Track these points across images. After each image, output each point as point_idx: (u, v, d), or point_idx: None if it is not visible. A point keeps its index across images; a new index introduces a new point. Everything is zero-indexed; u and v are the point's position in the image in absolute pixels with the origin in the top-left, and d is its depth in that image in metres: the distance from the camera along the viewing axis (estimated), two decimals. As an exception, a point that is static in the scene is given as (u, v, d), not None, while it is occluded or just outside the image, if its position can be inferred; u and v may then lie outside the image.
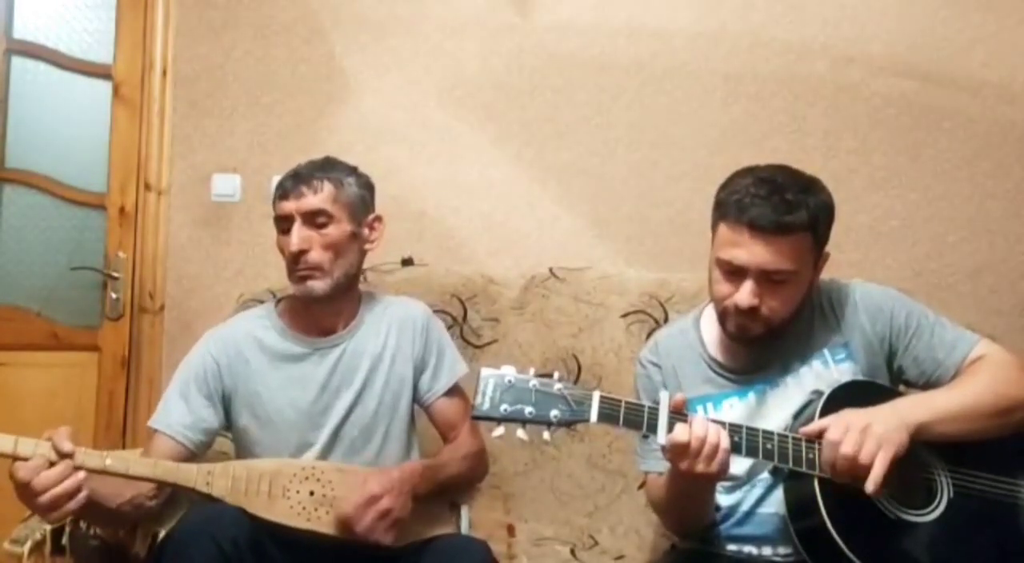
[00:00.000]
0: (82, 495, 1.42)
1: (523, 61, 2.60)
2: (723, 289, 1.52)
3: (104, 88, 2.72)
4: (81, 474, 1.42)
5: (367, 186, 1.82)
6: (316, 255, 1.71)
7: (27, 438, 1.43)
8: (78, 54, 2.74)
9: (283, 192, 1.75)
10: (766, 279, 1.47)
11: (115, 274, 2.68)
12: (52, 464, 1.41)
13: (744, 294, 1.48)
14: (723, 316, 1.55)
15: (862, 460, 1.33)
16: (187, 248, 2.67)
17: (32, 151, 2.73)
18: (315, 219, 1.72)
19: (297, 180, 1.74)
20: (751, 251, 1.46)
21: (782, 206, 1.44)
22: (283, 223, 1.75)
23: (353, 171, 1.81)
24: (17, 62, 2.72)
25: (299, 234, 1.71)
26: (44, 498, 1.39)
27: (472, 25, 2.62)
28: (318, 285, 1.72)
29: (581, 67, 2.58)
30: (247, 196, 2.65)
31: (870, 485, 1.33)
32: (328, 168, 1.77)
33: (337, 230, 1.73)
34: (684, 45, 2.55)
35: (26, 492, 1.40)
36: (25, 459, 1.41)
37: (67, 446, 1.43)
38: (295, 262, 1.72)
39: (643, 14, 2.57)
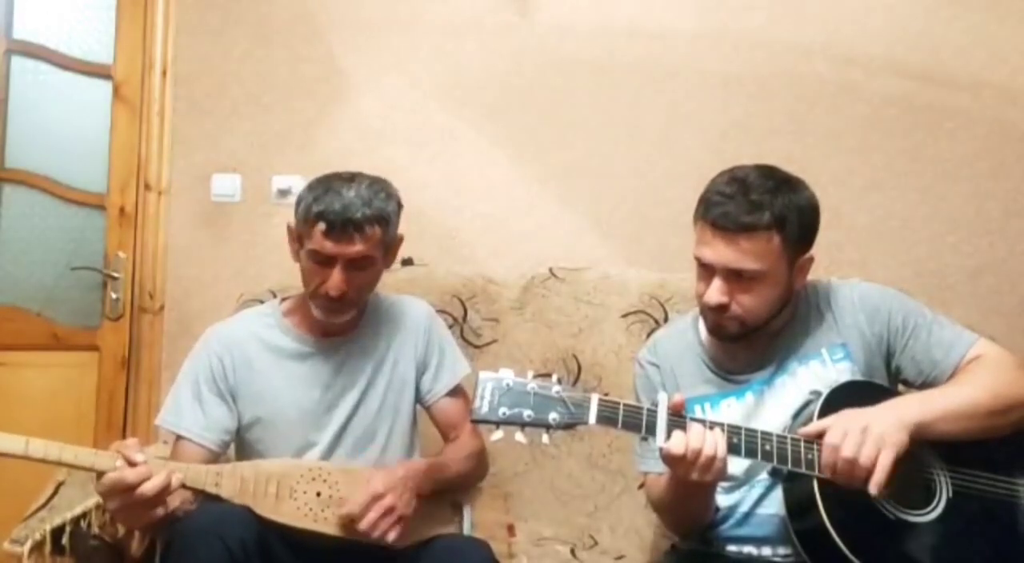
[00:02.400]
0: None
1: (523, 61, 2.60)
2: (699, 287, 1.55)
3: (104, 88, 2.73)
4: (177, 478, 1.48)
5: (400, 209, 1.74)
6: (352, 295, 1.69)
7: (103, 451, 1.48)
8: (78, 54, 2.74)
9: (329, 229, 1.61)
10: (734, 277, 1.49)
11: (115, 274, 2.68)
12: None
13: (712, 292, 1.51)
14: (702, 313, 1.59)
15: (862, 463, 1.33)
16: (187, 248, 2.67)
17: (32, 151, 2.73)
18: (358, 263, 1.67)
19: (347, 220, 1.61)
20: (715, 249, 1.49)
21: (744, 206, 1.46)
22: (320, 256, 1.65)
23: (390, 195, 1.71)
24: (17, 62, 2.72)
25: (341, 278, 1.65)
26: (157, 509, 1.46)
27: (472, 25, 2.62)
28: (344, 317, 1.73)
29: (581, 67, 2.58)
30: (247, 196, 2.65)
31: (873, 488, 1.33)
32: (375, 202, 1.65)
33: (375, 271, 1.73)
34: (684, 45, 2.55)
35: (132, 497, 1.43)
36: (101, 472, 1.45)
37: (139, 457, 1.45)
38: (329, 300, 1.68)
39: (643, 15, 2.57)
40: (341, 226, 1.62)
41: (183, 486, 1.53)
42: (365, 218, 1.63)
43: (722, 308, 1.51)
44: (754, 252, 1.47)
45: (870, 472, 1.33)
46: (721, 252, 1.48)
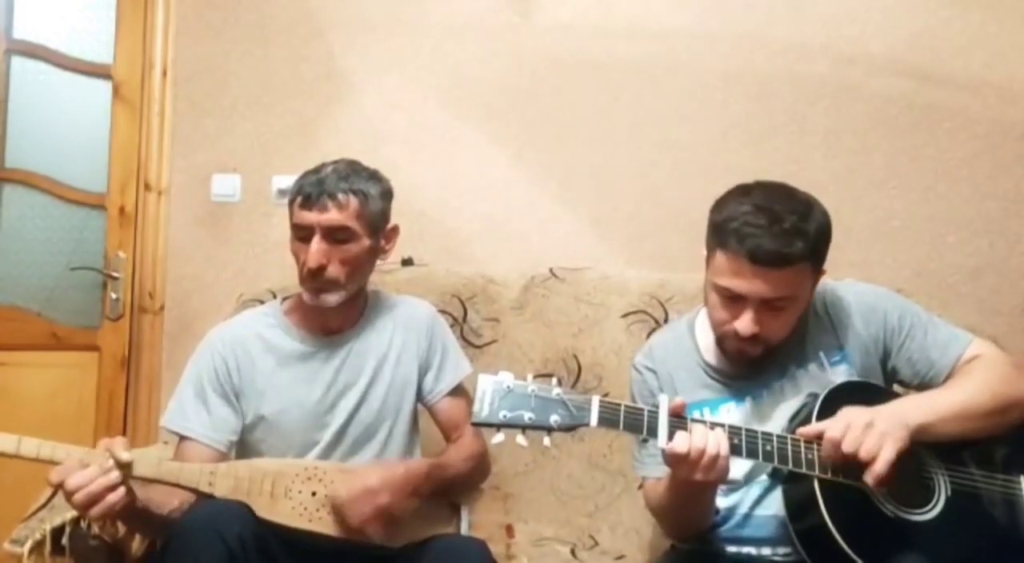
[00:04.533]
0: (121, 490, 1.44)
1: (523, 61, 2.60)
2: (722, 315, 1.51)
3: (104, 88, 2.73)
4: (115, 474, 1.44)
5: (387, 195, 1.77)
6: (334, 270, 1.69)
7: (94, 450, 1.47)
8: (78, 54, 2.74)
9: (305, 200, 1.68)
10: (767, 307, 1.47)
11: (115, 274, 2.68)
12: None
13: (745, 323, 1.47)
14: (721, 339, 1.55)
15: (863, 456, 1.34)
16: (187, 248, 2.68)
17: (32, 151, 2.73)
18: (336, 234, 1.68)
19: (322, 190, 1.67)
20: (752, 282, 1.45)
21: (782, 237, 1.42)
22: (301, 231, 1.70)
23: (375, 178, 1.75)
24: (17, 62, 2.73)
25: (318, 249, 1.67)
26: (80, 496, 1.41)
27: (472, 25, 2.62)
28: (332, 298, 1.71)
29: (581, 67, 2.58)
30: (247, 196, 2.66)
31: (869, 478, 1.33)
32: (354, 179, 1.70)
33: (357, 246, 1.71)
34: (684, 45, 2.55)
35: (65, 494, 1.43)
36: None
37: (125, 456, 1.45)
38: (311, 276, 1.69)
39: (643, 14, 2.57)
40: (316, 196, 1.67)
41: (178, 485, 1.53)
42: (339, 188, 1.68)
43: (753, 337, 1.49)
44: (790, 282, 1.45)
45: (869, 461, 1.33)
46: (759, 285, 1.44)
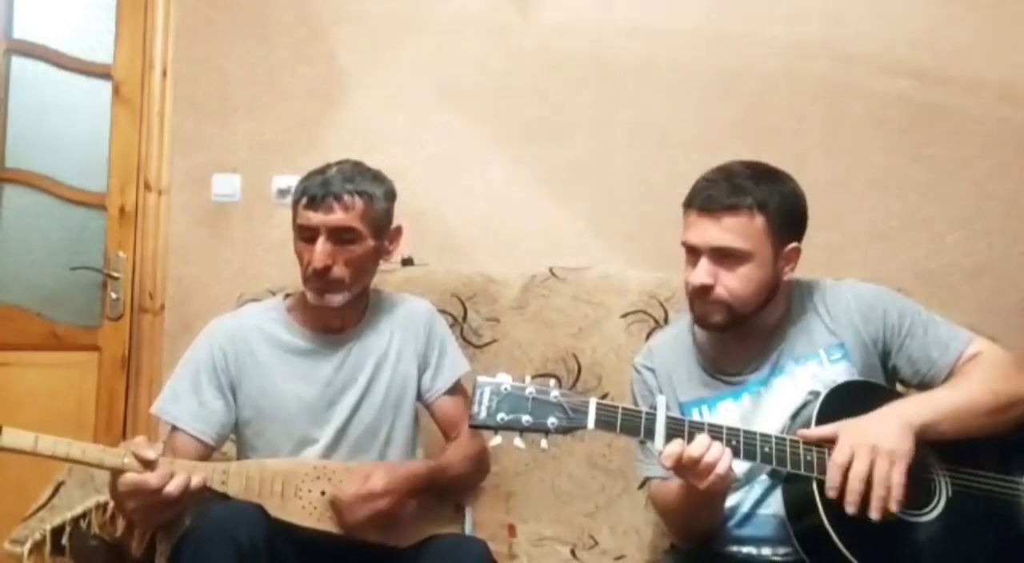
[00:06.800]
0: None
1: (523, 61, 2.60)
2: (686, 274, 1.56)
3: (104, 88, 2.73)
4: (196, 479, 1.51)
5: (391, 196, 1.78)
6: (338, 271, 1.69)
7: (111, 448, 1.51)
8: (78, 54, 2.74)
9: (310, 201, 1.68)
10: (719, 257, 1.50)
11: (115, 274, 2.68)
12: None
13: (698, 271, 1.52)
14: (691, 304, 1.58)
15: (876, 483, 1.33)
16: (187, 248, 2.68)
17: (32, 151, 2.73)
18: (341, 235, 1.69)
19: (327, 191, 1.67)
20: (699, 229, 1.51)
21: (728, 188, 1.50)
22: (306, 232, 1.70)
23: (379, 179, 1.76)
24: (17, 62, 2.73)
25: (323, 249, 1.67)
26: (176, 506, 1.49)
27: (472, 25, 2.62)
28: (336, 298, 1.72)
29: (581, 67, 2.58)
30: (247, 196, 2.66)
31: (894, 506, 1.32)
32: (358, 180, 1.71)
33: (362, 247, 1.71)
34: (684, 45, 2.55)
35: (154, 498, 1.46)
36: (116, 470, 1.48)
37: (151, 454, 1.47)
38: (316, 276, 1.69)
39: (643, 14, 2.57)
40: (322, 197, 1.67)
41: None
42: (345, 189, 1.68)
43: (706, 290, 1.51)
44: (737, 230, 1.49)
45: (885, 491, 1.33)
46: (705, 231, 1.51)
